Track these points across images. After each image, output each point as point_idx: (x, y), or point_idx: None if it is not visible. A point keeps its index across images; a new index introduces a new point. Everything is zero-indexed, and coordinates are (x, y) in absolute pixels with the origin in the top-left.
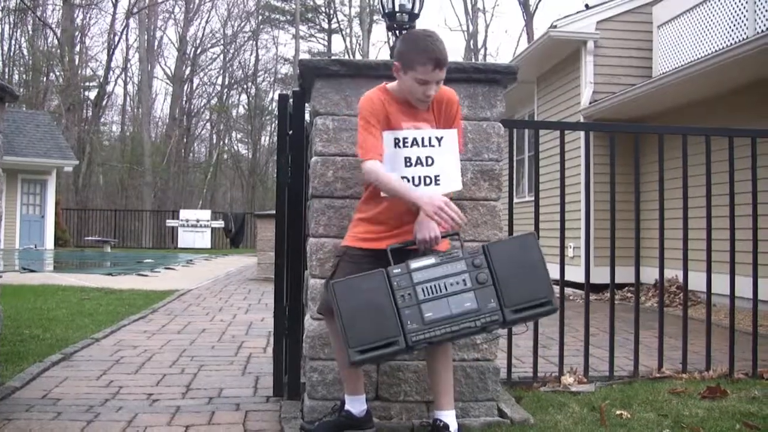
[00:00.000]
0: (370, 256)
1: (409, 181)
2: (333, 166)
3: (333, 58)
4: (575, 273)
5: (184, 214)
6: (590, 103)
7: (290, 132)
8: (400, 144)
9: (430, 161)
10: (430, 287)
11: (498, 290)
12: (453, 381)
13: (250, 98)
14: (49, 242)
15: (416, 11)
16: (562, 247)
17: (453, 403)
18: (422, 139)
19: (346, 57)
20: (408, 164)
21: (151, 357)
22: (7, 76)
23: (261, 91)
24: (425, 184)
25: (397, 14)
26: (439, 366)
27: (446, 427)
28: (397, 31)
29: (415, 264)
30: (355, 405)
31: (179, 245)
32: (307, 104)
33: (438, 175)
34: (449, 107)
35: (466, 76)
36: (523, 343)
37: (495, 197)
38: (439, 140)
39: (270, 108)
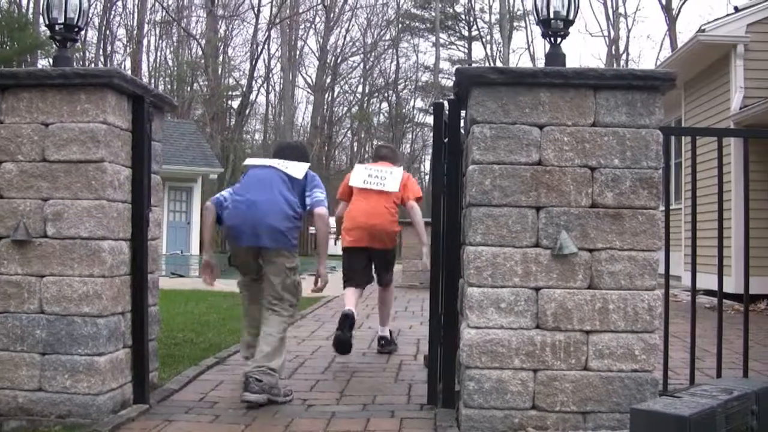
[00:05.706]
0: None
1: None
2: (491, 174)
3: (490, 66)
4: (725, 282)
5: None
6: (740, 108)
7: (446, 140)
8: None
9: None
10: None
11: None
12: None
13: (391, 106)
14: (195, 248)
15: (571, 17)
16: (721, 256)
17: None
18: None
19: (493, 64)
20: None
21: (303, 363)
22: (153, 86)
23: (402, 99)
24: None
25: (552, 21)
26: None
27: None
28: (551, 39)
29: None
30: None
31: None
32: (462, 112)
33: None
34: None
35: (625, 83)
36: (677, 355)
37: (654, 205)
38: None
39: (411, 115)
